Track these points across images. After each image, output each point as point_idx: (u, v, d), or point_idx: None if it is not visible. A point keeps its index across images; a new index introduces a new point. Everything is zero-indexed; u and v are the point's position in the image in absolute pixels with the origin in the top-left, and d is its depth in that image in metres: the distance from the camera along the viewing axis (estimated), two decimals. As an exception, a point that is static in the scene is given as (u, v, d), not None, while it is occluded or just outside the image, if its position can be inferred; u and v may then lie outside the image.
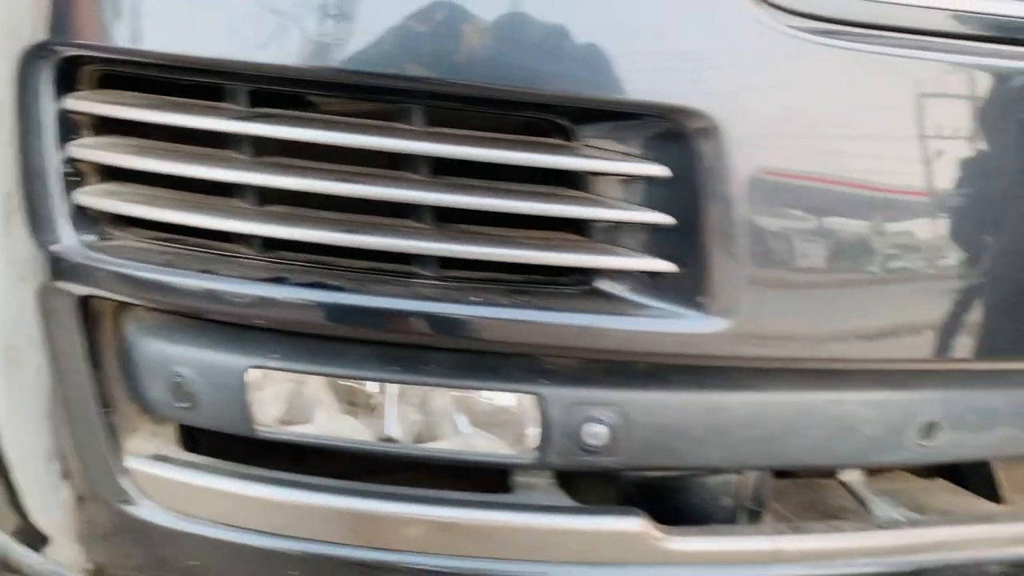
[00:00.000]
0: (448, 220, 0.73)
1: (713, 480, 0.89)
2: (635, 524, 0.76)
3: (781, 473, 0.95)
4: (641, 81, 0.66)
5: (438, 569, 0.76)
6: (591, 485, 0.87)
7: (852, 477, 0.91)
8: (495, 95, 0.68)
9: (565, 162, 0.69)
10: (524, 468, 0.77)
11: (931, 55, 0.69)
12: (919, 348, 0.73)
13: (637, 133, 0.69)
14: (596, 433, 0.74)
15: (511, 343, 0.71)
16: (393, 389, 0.75)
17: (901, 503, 0.87)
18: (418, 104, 0.70)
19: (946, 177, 0.69)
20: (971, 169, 0.69)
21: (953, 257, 0.71)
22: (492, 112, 0.71)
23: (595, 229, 0.72)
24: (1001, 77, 0.69)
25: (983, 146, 0.69)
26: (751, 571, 0.79)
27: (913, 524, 0.84)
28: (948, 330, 0.73)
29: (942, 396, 0.80)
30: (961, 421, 0.81)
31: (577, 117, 0.70)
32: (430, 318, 0.70)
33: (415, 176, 0.70)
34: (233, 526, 0.76)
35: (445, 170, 0.72)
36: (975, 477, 0.97)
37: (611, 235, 0.72)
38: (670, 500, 0.88)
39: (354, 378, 0.75)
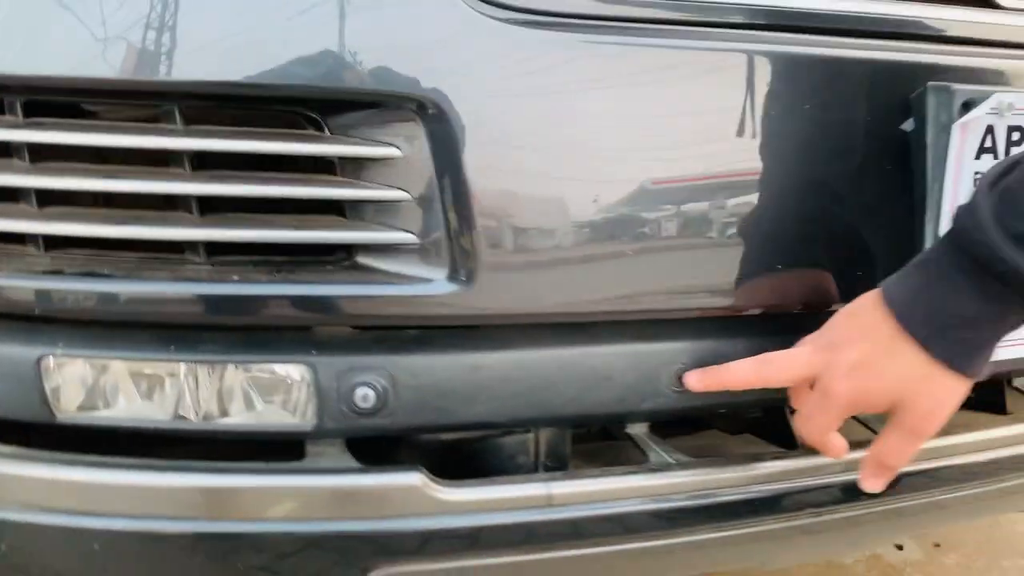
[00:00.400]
0: (220, 211, 0.80)
1: (509, 441, 0.96)
2: (413, 479, 0.83)
3: (584, 436, 1.04)
4: (370, 72, 0.74)
5: (235, 532, 0.82)
6: (409, 456, 0.95)
7: (637, 430, 0.99)
8: (245, 92, 0.75)
9: (312, 149, 0.76)
10: (305, 436, 0.84)
11: (632, 40, 0.78)
12: (638, 300, 0.82)
13: (375, 120, 0.77)
14: (366, 396, 0.81)
15: (273, 317, 0.78)
16: (178, 368, 0.81)
17: (678, 450, 0.96)
18: (179, 104, 0.77)
19: (629, 137, 0.78)
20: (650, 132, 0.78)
21: (667, 212, 0.81)
22: (252, 109, 0.78)
23: (352, 209, 0.80)
24: (686, 59, 0.79)
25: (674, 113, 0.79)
26: (525, 515, 0.86)
27: (683, 466, 0.92)
28: (665, 281, 0.82)
29: (690, 344, 0.89)
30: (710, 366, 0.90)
31: (324, 109, 0.78)
32: (194, 299, 0.77)
33: (178, 171, 0.77)
34: (31, 507, 0.81)
35: (218, 165, 0.79)
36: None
37: (364, 213, 0.79)
38: (473, 464, 0.96)
39: (141, 360, 0.81)
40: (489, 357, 0.84)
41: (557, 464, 0.97)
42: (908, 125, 0.90)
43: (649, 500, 0.89)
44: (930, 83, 0.88)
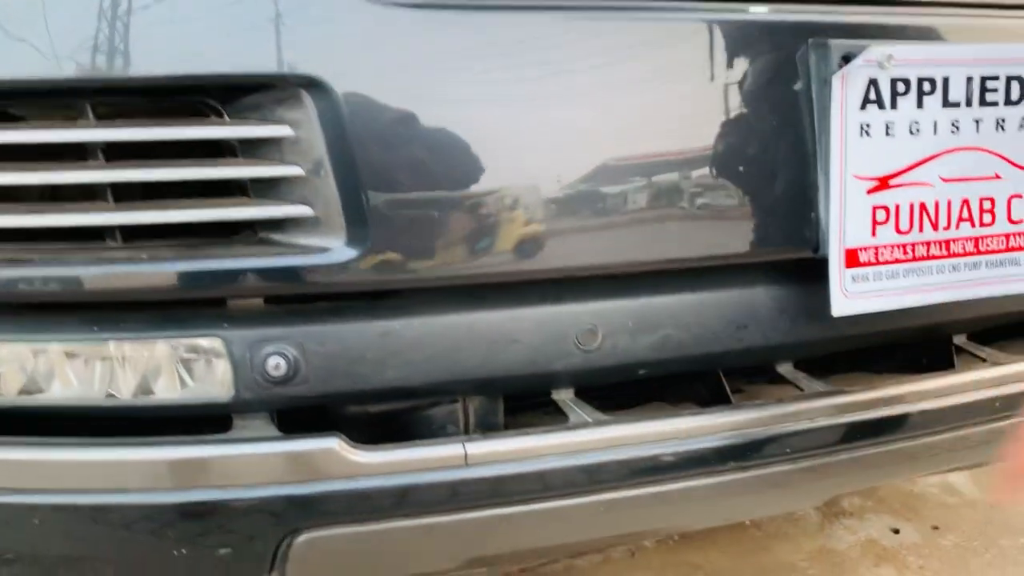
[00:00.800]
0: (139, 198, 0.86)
1: (438, 411, 1.00)
2: (330, 443, 0.87)
3: (517, 407, 1.07)
4: (254, 57, 0.79)
5: (165, 503, 0.87)
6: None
7: (562, 396, 1.02)
8: (144, 85, 0.81)
9: (208, 133, 0.82)
10: (226, 407, 0.88)
11: (504, 16, 0.83)
12: (530, 263, 0.85)
13: (269, 102, 0.82)
14: (278, 365, 0.85)
15: (183, 292, 0.83)
16: (107, 348, 0.87)
17: (598, 411, 0.98)
18: (91, 100, 0.83)
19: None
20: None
21: (556, 172, 0.85)
22: (159, 101, 0.84)
23: (255, 188, 0.85)
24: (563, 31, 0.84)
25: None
26: (442, 475, 0.89)
27: (599, 424, 0.95)
28: (557, 243, 0.86)
29: (594, 305, 0.93)
30: (618, 326, 0.94)
31: (222, 96, 0.83)
32: (112, 279, 0.82)
33: (93, 162, 0.83)
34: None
35: (132, 155, 0.85)
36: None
37: (266, 191, 0.84)
38: (404, 434, 1.00)
39: (70, 342, 0.86)
40: (396, 323, 0.88)
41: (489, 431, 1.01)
42: (798, 82, 0.94)
43: (566, 456, 0.92)
44: (810, 39, 0.92)
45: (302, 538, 0.89)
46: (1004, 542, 1.98)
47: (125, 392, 0.88)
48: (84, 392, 0.88)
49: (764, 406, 0.99)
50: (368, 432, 1.01)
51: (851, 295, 0.95)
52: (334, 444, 0.88)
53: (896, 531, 2.03)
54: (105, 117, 0.84)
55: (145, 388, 0.88)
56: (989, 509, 2.13)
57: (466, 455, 0.90)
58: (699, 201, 0.91)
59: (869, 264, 0.95)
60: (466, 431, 1.01)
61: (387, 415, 1.00)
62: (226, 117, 0.83)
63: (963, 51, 0.96)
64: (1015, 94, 0.98)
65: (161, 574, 0.91)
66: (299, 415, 0.96)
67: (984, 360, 1.15)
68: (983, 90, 0.97)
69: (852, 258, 0.94)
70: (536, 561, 1.75)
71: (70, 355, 0.87)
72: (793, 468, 1.00)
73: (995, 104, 0.98)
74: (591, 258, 0.88)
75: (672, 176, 0.90)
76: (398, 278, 0.84)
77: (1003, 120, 0.98)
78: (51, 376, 0.88)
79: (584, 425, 0.95)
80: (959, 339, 1.20)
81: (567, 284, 0.92)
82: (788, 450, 0.99)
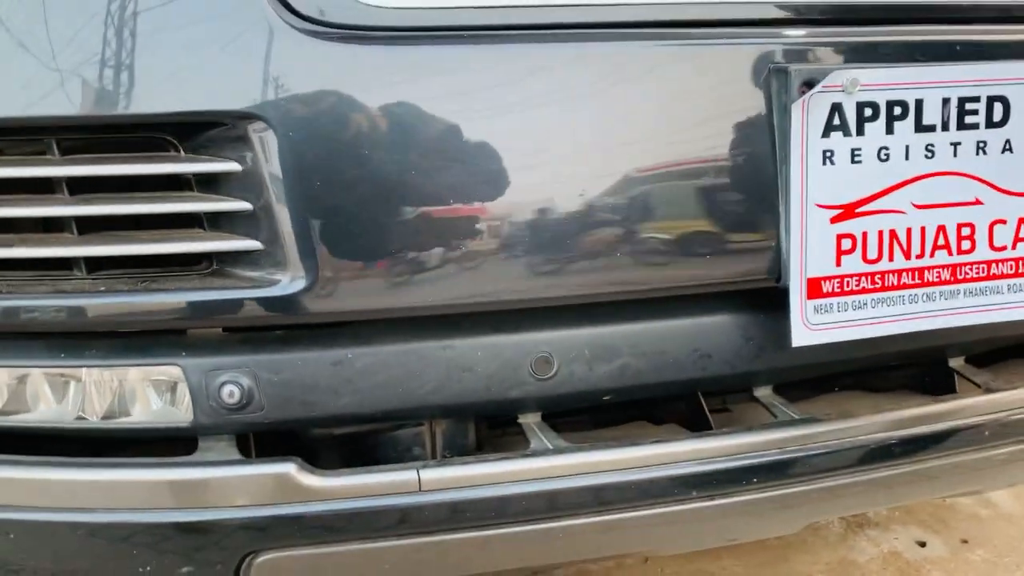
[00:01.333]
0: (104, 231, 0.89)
1: (404, 433, 1.02)
2: (286, 468, 0.90)
3: (498, 424, 1.08)
4: (196, 95, 0.81)
5: (127, 522, 0.91)
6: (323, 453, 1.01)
7: (529, 419, 1.03)
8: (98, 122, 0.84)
9: (162, 168, 0.85)
10: (186, 432, 0.91)
11: (444, 48, 0.83)
12: (476, 294, 0.86)
13: (222, 138, 0.84)
14: (232, 393, 0.88)
15: (140, 322, 0.86)
16: (76, 373, 0.91)
17: (562, 438, 0.98)
18: (56, 137, 0.86)
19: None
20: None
21: (502, 205, 0.85)
22: (119, 138, 0.87)
23: (211, 222, 0.87)
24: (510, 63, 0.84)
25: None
26: (397, 500, 0.91)
27: (559, 451, 0.95)
28: (501, 274, 0.86)
29: (547, 334, 0.92)
30: (575, 355, 0.94)
31: (178, 133, 0.86)
32: (74, 310, 0.86)
33: (58, 196, 0.87)
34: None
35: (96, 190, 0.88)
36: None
37: (221, 224, 0.87)
38: (371, 456, 1.02)
39: (38, 367, 0.90)
40: (349, 352, 0.89)
41: (458, 454, 1.02)
42: (762, 109, 0.92)
43: (522, 483, 0.93)
44: (771, 65, 0.90)
45: (261, 559, 0.92)
46: (1037, 559, 1.91)
47: (93, 415, 0.91)
48: (56, 415, 0.92)
49: (726, 435, 0.97)
50: (339, 452, 1.03)
51: (813, 326, 0.92)
52: (291, 468, 0.90)
53: (922, 544, 1.98)
54: (71, 152, 0.87)
55: (111, 412, 0.91)
56: (1026, 523, 2.06)
57: (419, 481, 0.91)
58: (657, 229, 0.90)
59: (833, 294, 0.93)
60: (433, 453, 1.02)
61: (356, 437, 1.02)
62: (181, 153, 0.86)
63: (939, 72, 0.92)
64: (997, 115, 0.94)
65: (131, 589, 0.95)
66: (273, 436, 1.00)
67: (978, 386, 1.11)
68: (961, 112, 0.93)
69: (815, 288, 0.92)
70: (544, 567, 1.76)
71: (37, 380, 0.91)
72: (757, 497, 0.98)
73: (975, 127, 0.94)
74: (541, 289, 0.88)
75: (629, 203, 0.89)
76: (345, 310, 0.85)
77: (984, 143, 0.94)
78: (21, 398, 0.92)
79: (542, 453, 0.95)
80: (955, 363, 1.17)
81: (520, 314, 0.92)
82: (754, 479, 0.98)
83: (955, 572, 1.87)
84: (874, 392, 1.22)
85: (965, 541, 1.99)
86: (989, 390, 1.09)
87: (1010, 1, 0.96)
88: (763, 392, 1.09)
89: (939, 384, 1.17)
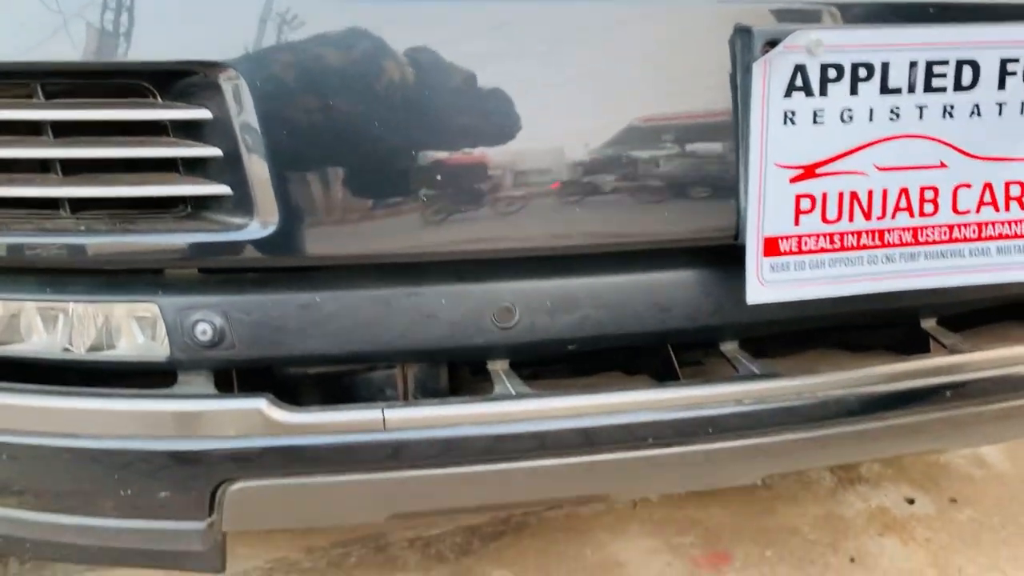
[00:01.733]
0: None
1: (376, 375, 1.06)
2: (258, 404, 0.95)
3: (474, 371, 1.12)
4: (170, 44, 0.85)
5: (114, 448, 0.97)
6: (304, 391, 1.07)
7: (497, 366, 1.06)
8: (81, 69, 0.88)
9: (136, 114, 0.88)
10: (163, 366, 0.96)
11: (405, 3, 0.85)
12: (436, 244, 0.89)
13: (195, 87, 0.88)
14: (205, 331, 0.93)
15: (119, 261, 0.91)
16: (63, 307, 0.96)
17: (527, 384, 1.02)
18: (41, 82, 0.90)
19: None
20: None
21: (458, 159, 0.87)
22: (104, 85, 0.91)
23: (187, 166, 0.91)
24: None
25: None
26: (361, 437, 0.95)
27: (517, 397, 0.99)
28: (451, 226, 0.89)
29: (510, 284, 0.96)
30: (536, 305, 0.97)
31: (156, 81, 0.89)
32: (59, 247, 0.91)
33: (41, 139, 0.91)
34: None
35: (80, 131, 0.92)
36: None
37: (196, 169, 0.90)
38: (347, 395, 1.06)
39: (25, 300, 0.96)
40: (317, 296, 0.94)
41: (430, 396, 1.07)
42: (728, 69, 0.93)
43: (482, 425, 0.97)
44: (735, 25, 0.90)
45: (235, 487, 0.98)
46: (1024, 520, 1.93)
47: (79, 348, 0.97)
48: (46, 346, 0.98)
49: (681, 386, 1.01)
50: (319, 391, 1.08)
51: (769, 283, 0.94)
52: (262, 404, 0.95)
53: (911, 501, 2.00)
54: (54, 96, 0.91)
55: (96, 345, 0.97)
56: (1018, 485, 2.07)
57: (384, 420, 0.96)
58: (616, 185, 0.92)
59: (791, 253, 0.94)
60: (405, 395, 1.07)
61: (334, 376, 1.07)
62: (159, 100, 0.89)
63: (907, 34, 0.92)
64: (966, 79, 0.94)
65: (116, 508, 1.01)
66: (257, 374, 1.05)
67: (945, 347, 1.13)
68: (929, 75, 0.93)
69: (772, 247, 0.94)
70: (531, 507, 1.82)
71: (30, 312, 0.96)
72: (713, 448, 1.02)
73: (942, 90, 0.94)
74: (501, 241, 0.91)
75: (590, 159, 0.91)
76: (310, 255, 0.89)
77: (951, 107, 0.95)
78: (15, 329, 0.98)
79: (503, 397, 0.99)
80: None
81: (483, 264, 0.95)
82: (709, 430, 1.01)
83: (940, 530, 1.90)
84: (854, 351, 1.24)
85: (954, 500, 2.01)
86: (954, 352, 1.11)
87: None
88: (729, 347, 1.11)
89: (914, 345, 1.19)
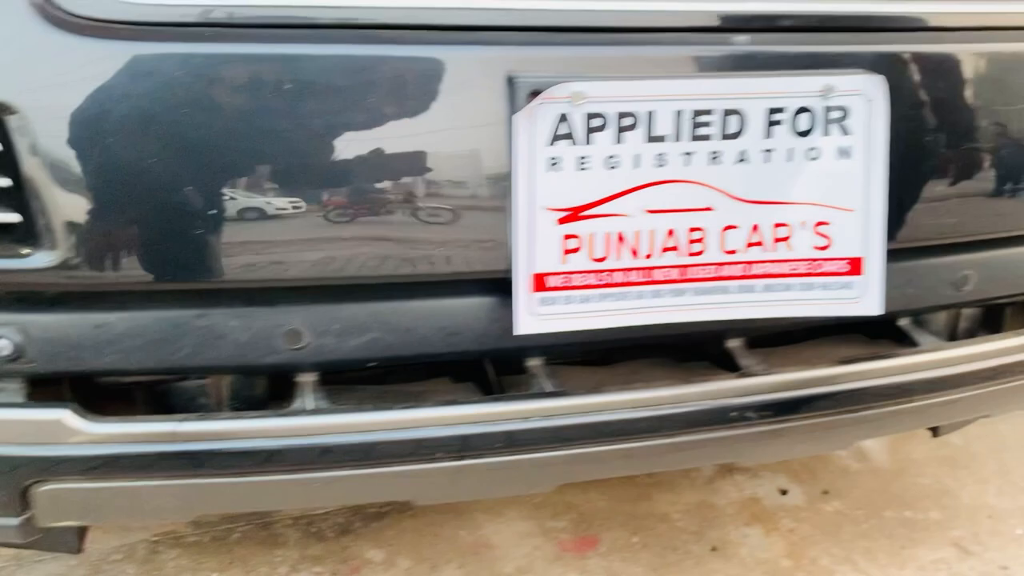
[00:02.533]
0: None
1: (190, 385, 1.13)
2: (60, 414, 1.01)
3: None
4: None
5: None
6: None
7: (304, 379, 1.12)
8: None
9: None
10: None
11: (183, 46, 0.90)
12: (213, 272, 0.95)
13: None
14: (4, 346, 0.99)
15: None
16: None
17: (326, 399, 1.09)
18: None
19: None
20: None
21: (222, 195, 0.93)
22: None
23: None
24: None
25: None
26: (155, 447, 1.02)
27: (318, 412, 1.06)
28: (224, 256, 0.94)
29: (298, 308, 1.02)
30: (324, 328, 1.03)
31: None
32: None
33: None
34: None
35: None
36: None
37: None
38: (163, 404, 1.13)
39: None
40: (110, 317, 0.99)
41: (246, 406, 1.14)
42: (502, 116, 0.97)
43: (274, 439, 1.04)
44: (506, 73, 0.95)
45: (44, 488, 1.05)
46: (888, 513, 2.02)
47: None
48: None
49: (472, 403, 1.08)
50: (141, 397, 1.15)
51: (539, 316, 1.00)
52: (64, 415, 1.01)
53: (784, 492, 2.09)
54: None
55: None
56: (891, 478, 2.15)
57: (176, 432, 1.02)
58: (396, 224, 0.98)
59: (559, 288, 1.00)
60: (218, 404, 1.13)
61: (150, 385, 1.14)
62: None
63: (672, 86, 0.97)
64: (732, 127, 0.99)
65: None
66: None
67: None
68: (695, 124, 0.98)
69: (540, 282, 1.00)
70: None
71: None
72: (500, 460, 1.09)
73: (707, 138, 0.99)
74: (277, 270, 0.97)
75: (372, 201, 0.96)
76: (89, 283, 0.95)
77: (718, 153, 1.00)
78: None
79: (297, 413, 1.06)
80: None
81: (268, 292, 1.01)
82: (497, 444, 1.08)
83: (805, 521, 1.99)
84: (682, 362, 1.31)
85: (826, 492, 2.10)
86: (745, 375, 1.17)
87: (739, 10, 1.00)
88: (534, 363, 1.18)
89: (727, 362, 1.26)
